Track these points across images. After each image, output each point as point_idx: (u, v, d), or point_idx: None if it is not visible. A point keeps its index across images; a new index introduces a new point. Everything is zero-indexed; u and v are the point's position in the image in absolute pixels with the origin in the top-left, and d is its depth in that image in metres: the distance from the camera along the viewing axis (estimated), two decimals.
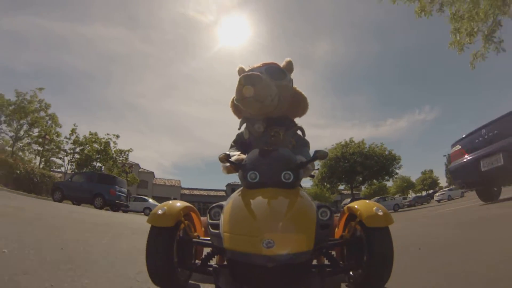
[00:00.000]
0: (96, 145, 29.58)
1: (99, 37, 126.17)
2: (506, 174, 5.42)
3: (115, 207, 16.39)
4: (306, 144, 2.47)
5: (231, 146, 2.55)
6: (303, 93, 2.52)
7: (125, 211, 18.03)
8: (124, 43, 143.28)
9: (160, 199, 35.17)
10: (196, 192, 59.54)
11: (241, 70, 2.54)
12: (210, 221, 1.65)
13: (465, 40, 8.13)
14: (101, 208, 15.02)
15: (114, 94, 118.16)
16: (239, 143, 2.54)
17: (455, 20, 8.11)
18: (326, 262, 1.81)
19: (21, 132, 26.65)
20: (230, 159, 2.01)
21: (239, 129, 2.59)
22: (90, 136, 29.66)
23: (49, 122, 27.77)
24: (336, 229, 1.93)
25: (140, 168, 49.80)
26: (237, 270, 1.43)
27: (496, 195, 7.06)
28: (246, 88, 2.14)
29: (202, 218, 2.10)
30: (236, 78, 2.30)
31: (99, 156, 29.35)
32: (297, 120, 2.57)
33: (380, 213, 1.64)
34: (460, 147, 6.51)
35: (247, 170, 1.86)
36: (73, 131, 29.03)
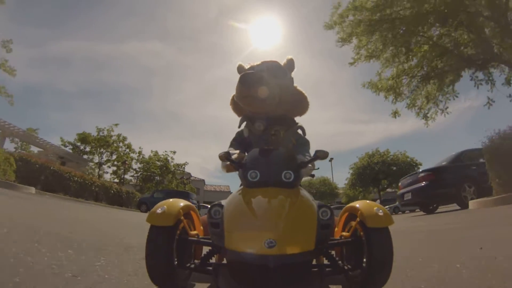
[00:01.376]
0: (158, 162, 36.39)
1: (137, 52, 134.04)
2: (413, 203, 11.08)
3: None
4: (306, 143, 2.44)
5: (231, 145, 2.51)
6: (304, 92, 2.52)
7: None
8: (160, 55, 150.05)
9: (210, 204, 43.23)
10: None
11: (240, 68, 2.53)
12: (210, 219, 1.59)
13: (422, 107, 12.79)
14: None
15: (157, 105, 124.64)
16: (239, 141, 2.50)
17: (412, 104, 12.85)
18: (325, 262, 1.82)
19: (104, 158, 34.25)
20: (230, 158, 1.98)
21: (239, 127, 2.55)
22: (153, 155, 36.63)
23: (127, 150, 35.09)
24: (336, 229, 1.92)
25: (191, 176, 54.68)
26: (238, 270, 1.43)
27: (432, 210, 11.48)
28: (261, 89, 2.17)
29: (201, 217, 2.09)
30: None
31: (160, 171, 36.04)
32: (297, 119, 2.54)
33: (381, 214, 1.62)
34: (400, 183, 11.70)
35: (247, 169, 1.81)
36: (140, 153, 36.15)
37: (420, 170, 11.43)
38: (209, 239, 1.74)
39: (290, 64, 2.48)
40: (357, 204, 1.79)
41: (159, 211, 1.64)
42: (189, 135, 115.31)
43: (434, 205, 11.51)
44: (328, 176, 49.72)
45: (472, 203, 7.99)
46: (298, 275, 1.41)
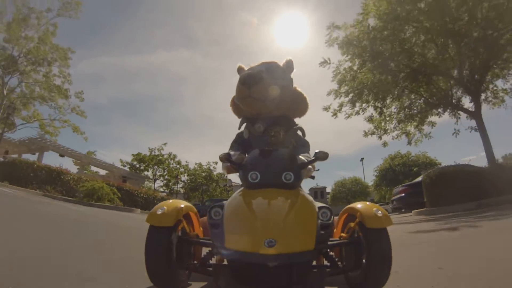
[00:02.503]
0: (202, 173, 41.94)
1: (165, 61, 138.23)
2: (398, 207, 15.64)
3: None
4: (306, 144, 2.48)
5: (231, 146, 2.56)
6: (303, 93, 2.54)
7: None
8: (188, 62, 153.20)
9: None
10: None
11: (240, 69, 2.58)
12: (210, 220, 1.64)
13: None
14: None
15: (190, 111, 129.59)
16: (239, 143, 2.55)
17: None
18: (325, 262, 1.87)
19: (157, 174, 40.35)
20: (230, 159, 2.04)
21: (239, 128, 2.59)
22: (198, 166, 42.51)
23: (177, 166, 41.16)
24: (335, 229, 1.94)
25: (232, 182, 58.95)
26: (238, 270, 1.46)
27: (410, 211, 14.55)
28: (261, 90, 2.21)
29: (201, 219, 2.13)
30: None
31: (205, 180, 41.51)
32: (297, 120, 2.58)
33: (380, 214, 1.68)
34: (393, 192, 16.15)
35: (248, 170, 1.86)
36: (186, 167, 41.87)
37: (402, 185, 16.19)
38: (209, 240, 1.77)
39: (289, 65, 2.50)
40: (356, 205, 1.85)
41: (159, 211, 1.69)
42: (225, 139, 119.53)
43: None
44: (359, 176, 50.63)
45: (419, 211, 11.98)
46: (297, 275, 1.42)
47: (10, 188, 13.56)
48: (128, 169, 38.22)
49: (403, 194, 14.63)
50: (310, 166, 2.04)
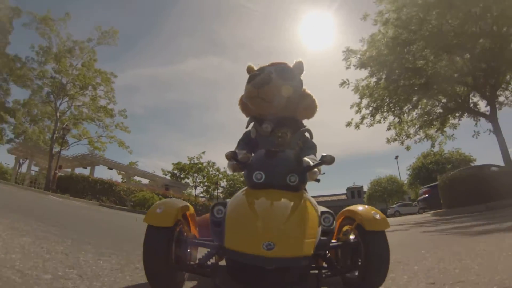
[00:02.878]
0: (241, 178, 43.56)
1: (196, 69, 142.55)
2: (423, 207, 16.72)
3: None
4: (313, 147, 2.46)
5: (238, 144, 2.56)
6: (312, 95, 2.53)
7: None
8: (219, 67, 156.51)
9: None
10: (320, 199, 60.44)
11: (250, 69, 2.61)
12: (212, 218, 1.65)
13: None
14: None
15: (225, 116, 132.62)
16: (246, 142, 2.55)
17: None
18: (322, 263, 1.84)
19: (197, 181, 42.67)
20: (236, 158, 2.03)
21: (246, 127, 2.59)
22: (236, 175, 43.80)
23: (216, 172, 43.27)
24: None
25: None
26: (236, 270, 1.46)
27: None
28: (269, 90, 2.25)
29: (197, 219, 2.12)
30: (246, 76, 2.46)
31: (244, 185, 43.24)
32: (305, 122, 2.58)
33: (378, 217, 1.72)
34: (419, 193, 16.95)
35: (253, 170, 1.86)
36: (224, 173, 43.71)
37: (425, 186, 17.17)
38: (207, 240, 1.80)
39: (299, 66, 2.51)
40: (354, 208, 1.87)
41: (158, 211, 1.66)
42: None
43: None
44: (395, 174, 49.05)
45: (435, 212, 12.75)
46: (295, 277, 1.43)
47: (71, 200, 15.46)
48: (169, 178, 40.59)
49: (426, 195, 15.66)
50: (315, 169, 2.04)
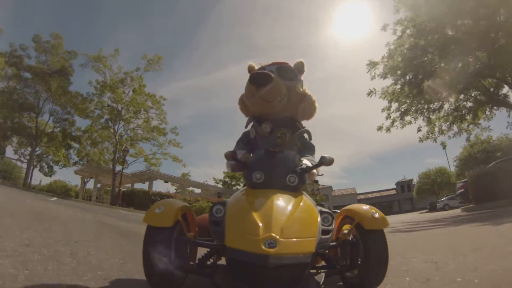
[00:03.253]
0: None
1: (236, 75, 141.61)
2: (460, 201, 17.21)
3: None
4: (311, 148, 2.49)
5: (237, 144, 2.56)
6: (312, 95, 2.51)
7: None
8: None
9: (339, 208, 48.08)
10: (370, 195, 62.65)
11: (251, 68, 2.58)
12: (212, 217, 1.63)
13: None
14: None
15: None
16: (245, 142, 2.54)
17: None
18: (322, 263, 1.87)
19: None
20: (236, 157, 2.03)
21: (245, 127, 2.57)
22: None
23: None
24: None
25: (319, 185, 56.70)
26: (237, 269, 1.45)
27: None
28: (270, 90, 2.20)
29: (196, 218, 2.10)
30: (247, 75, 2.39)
31: None
32: (304, 123, 2.57)
33: (377, 216, 1.75)
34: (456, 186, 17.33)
35: (252, 170, 1.88)
36: None
37: (462, 180, 17.56)
38: (207, 241, 1.78)
39: (300, 66, 2.51)
40: (353, 207, 1.90)
41: (157, 211, 1.68)
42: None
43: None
44: (444, 165, 45.84)
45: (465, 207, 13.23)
46: (296, 276, 1.41)
47: (136, 212, 17.14)
48: (221, 186, 42.55)
49: (462, 190, 15.85)
50: (314, 170, 2.05)
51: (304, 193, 1.91)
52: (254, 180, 1.85)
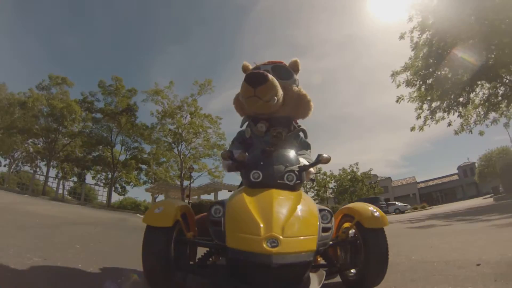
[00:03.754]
0: (348, 176, 45.91)
1: None
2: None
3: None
4: (307, 146, 2.50)
5: (232, 144, 2.58)
6: (307, 94, 2.50)
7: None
8: (306, 69, 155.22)
9: (399, 198, 48.11)
10: (430, 183, 59.58)
11: (245, 67, 2.59)
12: (211, 218, 1.62)
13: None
14: None
15: (322, 115, 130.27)
16: (240, 141, 2.55)
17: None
18: (322, 261, 1.89)
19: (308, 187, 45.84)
20: (233, 157, 2.06)
21: (241, 127, 2.59)
22: (342, 172, 46.71)
23: (324, 177, 46.38)
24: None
25: (378, 177, 58.29)
26: (239, 269, 1.45)
27: None
28: (266, 89, 2.19)
29: (196, 218, 2.12)
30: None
31: (351, 183, 45.44)
32: (300, 122, 2.59)
33: (377, 215, 1.77)
34: None
35: (250, 169, 1.89)
36: (331, 176, 46.52)
37: None
38: (207, 240, 1.77)
39: (295, 65, 2.52)
40: (353, 206, 1.94)
41: (156, 211, 1.68)
42: (360, 133, 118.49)
43: None
44: (508, 145, 38.03)
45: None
46: (298, 274, 1.43)
47: None
48: None
49: None
50: (311, 169, 2.10)
51: (302, 191, 1.93)
52: (252, 180, 1.87)
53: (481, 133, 17.25)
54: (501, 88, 16.28)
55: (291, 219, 1.50)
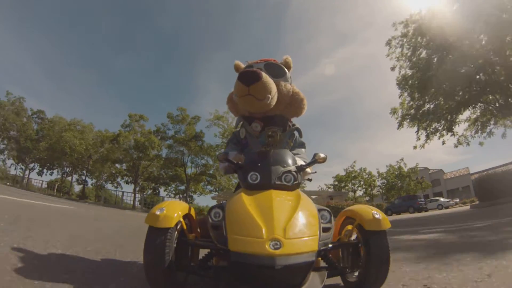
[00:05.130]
0: (395, 173, 49.34)
1: (329, 66, 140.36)
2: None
3: (418, 211, 29.11)
4: (302, 145, 2.54)
5: (227, 145, 2.59)
6: (301, 92, 2.51)
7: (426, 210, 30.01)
8: (353, 57, 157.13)
9: (452, 192, 49.61)
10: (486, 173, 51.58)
11: (238, 67, 2.57)
12: (211, 222, 1.65)
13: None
14: (413, 212, 28.69)
15: (374, 104, 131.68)
16: (235, 142, 2.55)
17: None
18: (323, 264, 1.86)
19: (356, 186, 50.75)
20: (229, 159, 2.06)
21: (235, 127, 2.63)
22: (388, 169, 50.03)
23: (369, 176, 50.72)
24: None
25: (430, 170, 60.82)
26: (241, 272, 1.44)
27: None
28: (260, 88, 2.18)
29: (198, 219, 2.11)
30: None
31: (398, 179, 48.59)
32: (294, 120, 2.61)
33: (379, 217, 1.75)
34: None
35: (247, 171, 1.91)
36: (378, 173, 50.46)
37: None
38: (208, 241, 1.74)
39: (288, 63, 2.52)
40: (354, 208, 1.91)
41: (158, 212, 1.67)
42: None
43: None
44: None
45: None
46: (301, 275, 1.43)
47: None
48: (332, 190, 49.48)
49: None
50: (308, 169, 2.14)
51: (301, 191, 1.96)
52: (250, 181, 1.89)
53: (481, 144, 19.43)
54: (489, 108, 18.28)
55: (292, 220, 1.53)
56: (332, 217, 1.74)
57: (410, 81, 18.80)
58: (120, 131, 37.70)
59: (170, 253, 1.65)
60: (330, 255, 1.84)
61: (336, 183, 50.59)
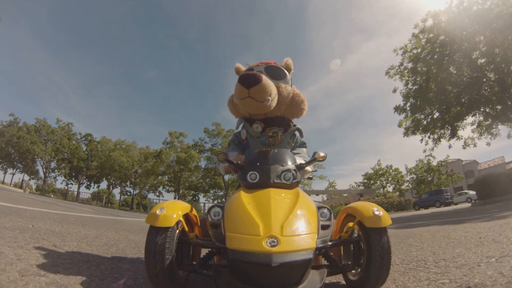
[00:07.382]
0: (423, 167, 51.44)
1: (358, 63, 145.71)
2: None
3: (445, 205, 29.81)
4: (303, 145, 2.59)
5: (229, 145, 2.65)
6: (301, 94, 2.56)
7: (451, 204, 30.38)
8: (378, 50, 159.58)
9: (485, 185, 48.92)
10: None
11: (238, 69, 2.63)
12: (210, 220, 1.68)
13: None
14: (439, 206, 29.47)
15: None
16: (236, 143, 2.63)
17: None
18: (324, 262, 1.85)
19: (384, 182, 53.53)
20: (229, 159, 2.10)
21: (236, 128, 2.66)
22: (416, 164, 52.21)
23: (395, 172, 53.30)
24: (333, 229, 1.88)
25: (463, 161, 61.40)
26: (240, 270, 1.45)
27: None
28: (261, 90, 2.25)
29: (200, 218, 2.13)
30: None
31: (427, 173, 50.50)
32: (295, 121, 2.66)
33: (380, 214, 1.74)
34: None
35: (247, 170, 1.94)
36: (406, 168, 52.97)
37: None
38: (209, 240, 1.76)
39: (288, 65, 2.57)
40: (355, 205, 1.90)
41: (158, 212, 1.69)
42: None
43: None
44: None
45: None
46: (299, 273, 1.42)
47: None
48: (361, 187, 52.40)
49: None
50: (308, 168, 2.17)
51: (300, 189, 1.96)
52: (249, 180, 1.92)
53: (488, 144, 20.28)
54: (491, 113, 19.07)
55: (290, 218, 1.54)
56: (332, 215, 1.75)
57: (410, 99, 20.29)
58: (162, 149, 42.86)
59: (171, 252, 1.68)
60: (331, 253, 1.83)
61: (366, 180, 53.41)
